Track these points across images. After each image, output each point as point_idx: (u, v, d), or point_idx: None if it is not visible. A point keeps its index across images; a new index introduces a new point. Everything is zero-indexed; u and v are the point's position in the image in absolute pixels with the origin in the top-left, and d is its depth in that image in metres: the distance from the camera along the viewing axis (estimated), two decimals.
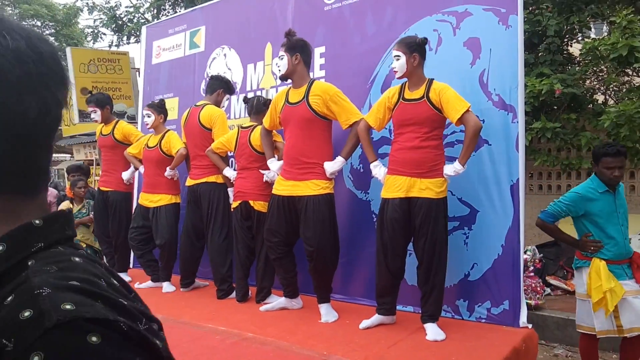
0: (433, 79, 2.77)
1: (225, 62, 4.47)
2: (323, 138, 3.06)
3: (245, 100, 3.77)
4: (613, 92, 5.77)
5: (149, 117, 4.04)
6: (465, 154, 2.65)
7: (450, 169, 2.69)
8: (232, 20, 4.44)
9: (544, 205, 5.68)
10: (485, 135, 2.98)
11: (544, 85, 4.64)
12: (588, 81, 5.59)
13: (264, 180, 3.40)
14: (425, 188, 2.68)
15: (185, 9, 8.18)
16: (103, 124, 4.37)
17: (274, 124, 3.29)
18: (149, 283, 4.07)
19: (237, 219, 3.50)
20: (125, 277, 4.31)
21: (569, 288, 4.80)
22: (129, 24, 11.39)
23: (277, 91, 3.79)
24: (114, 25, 11.65)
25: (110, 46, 12.21)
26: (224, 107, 3.95)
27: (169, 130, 4.11)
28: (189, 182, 3.85)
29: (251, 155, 3.47)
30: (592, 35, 5.94)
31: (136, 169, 4.29)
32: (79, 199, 4.88)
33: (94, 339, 0.42)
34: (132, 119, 7.41)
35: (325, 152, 3.05)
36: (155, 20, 8.52)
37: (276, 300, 3.32)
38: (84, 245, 4.79)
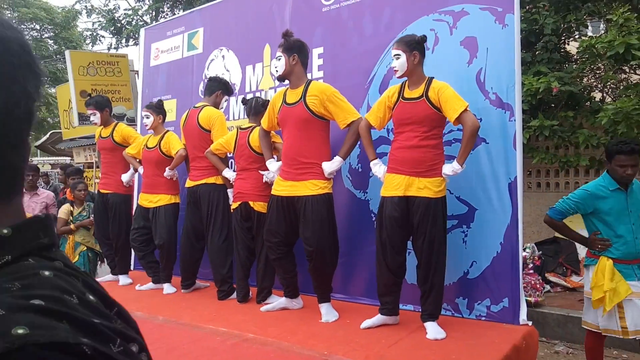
0: (433, 78, 2.77)
1: (223, 64, 4.48)
2: (321, 138, 3.07)
3: (244, 101, 3.79)
4: (610, 90, 5.79)
5: (147, 118, 4.05)
6: (463, 154, 2.65)
7: (448, 168, 2.69)
8: (230, 21, 4.45)
9: (543, 202, 5.73)
10: (483, 134, 3.00)
11: (541, 83, 4.66)
12: (585, 79, 5.60)
13: (264, 181, 3.41)
14: (423, 187, 2.69)
15: (183, 11, 8.19)
16: (102, 126, 4.39)
17: (272, 125, 3.30)
18: (150, 285, 4.08)
19: (237, 219, 3.52)
20: (126, 279, 4.33)
21: (569, 285, 4.82)
22: (127, 27, 11.41)
23: (275, 92, 3.80)
24: (112, 28, 11.67)
25: (109, 49, 12.23)
26: (222, 108, 3.96)
27: (168, 130, 4.13)
28: (189, 183, 3.86)
29: (250, 156, 3.49)
30: (589, 34, 5.97)
31: (135, 170, 4.30)
32: (79, 201, 4.89)
33: None
34: (132, 121, 7.43)
35: (323, 152, 3.06)
36: (154, 23, 8.53)
37: (277, 301, 3.33)
38: (84, 249, 4.81)
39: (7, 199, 0.49)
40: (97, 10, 12.53)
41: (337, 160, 3.03)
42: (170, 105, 4.74)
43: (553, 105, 5.27)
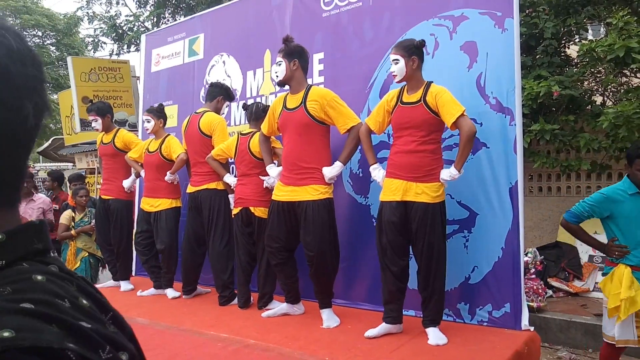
0: (432, 82, 2.77)
1: (224, 70, 4.50)
2: (321, 143, 3.07)
3: (245, 107, 3.80)
4: (611, 93, 5.78)
5: (148, 122, 4.07)
6: (460, 159, 2.64)
7: (446, 174, 2.68)
8: (231, 27, 4.47)
9: (544, 207, 5.72)
10: (484, 138, 3.00)
11: (542, 87, 4.65)
12: (586, 83, 5.60)
13: (264, 186, 3.42)
14: (421, 192, 2.68)
15: (184, 17, 8.23)
16: (104, 132, 4.40)
17: (272, 130, 3.31)
18: (152, 290, 4.08)
19: (238, 225, 3.51)
20: (127, 285, 4.33)
21: (571, 290, 4.80)
22: (129, 33, 11.47)
23: (276, 98, 3.81)
24: (114, 34, 11.72)
25: (110, 55, 12.30)
26: (223, 114, 3.97)
27: (169, 135, 4.15)
28: (190, 189, 3.87)
29: (251, 162, 3.49)
30: (590, 37, 5.96)
31: (137, 175, 4.31)
32: (80, 207, 4.90)
33: None
34: (134, 127, 7.44)
35: (323, 157, 3.06)
36: (155, 29, 8.57)
37: (278, 306, 3.32)
38: (86, 254, 4.82)
39: (12, 206, 0.51)
40: (98, 17, 12.59)
41: (338, 166, 3.03)
42: (171, 111, 4.75)
43: (554, 109, 5.26)
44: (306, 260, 3.04)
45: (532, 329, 2.85)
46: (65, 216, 4.84)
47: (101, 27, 12.23)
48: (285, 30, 3.87)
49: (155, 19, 11.20)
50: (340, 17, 3.72)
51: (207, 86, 4.22)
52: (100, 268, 5.08)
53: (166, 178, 3.99)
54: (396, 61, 2.75)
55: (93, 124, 4.41)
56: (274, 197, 3.15)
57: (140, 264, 4.53)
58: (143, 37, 5.50)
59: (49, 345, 0.39)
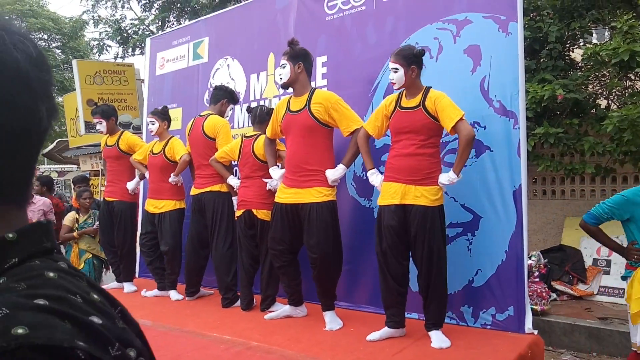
0: (430, 87, 2.78)
1: (228, 73, 4.52)
2: (325, 146, 3.08)
3: (249, 109, 3.81)
4: (615, 97, 5.76)
5: (152, 124, 4.09)
6: (459, 163, 2.64)
7: (444, 177, 2.68)
8: (235, 31, 4.49)
9: (548, 210, 5.71)
10: (487, 142, 3.00)
11: (546, 91, 4.65)
12: (590, 86, 5.59)
13: (267, 188, 3.42)
14: (420, 195, 2.68)
15: (189, 20, 8.27)
16: (108, 134, 4.43)
17: (276, 133, 3.32)
18: (155, 292, 4.09)
19: (241, 227, 3.52)
20: (131, 286, 4.34)
21: (575, 293, 4.77)
22: (134, 36, 11.53)
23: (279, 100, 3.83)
24: (119, 38, 11.79)
25: (115, 58, 12.36)
26: (227, 116, 4.00)
27: (172, 136, 4.17)
28: (194, 191, 3.88)
29: (254, 164, 3.50)
30: (594, 41, 5.96)
31: (142, 177, 4.34)
32: (84, 209, 4.92)
33: None
34: (138, 130, 7.47)
35: (326, 159, 3.07)
36: (160, 32, 8.62)
37: (281, 309, 3.32)
38: (90, 256, 4.84)
39: (22, 206, 0.53)
40: (104, 20, 12.69)
41: (341, 168, 3.04)
42: (175, 114, 4.78)
43: (558, 112, 5.25)
44: (309, 263, 3.04)
45: (535, 332, 2.84)
46: (69, 218, 4.87)
47: (106, 31, 12.33)
48: (289, 34, 3.89)
49: (160, 23, 11.26)
50: (343, 20, 3.73)
51: (211, 89, 4.24)
52: (104, 269, 5.10)
53: (170, 180, 4.00)
54: (395, 70, 2.74)
55: (97, 127, 4.44)
56: (276, 200, 3.16)
57: (143, 265, 4.55)
58: (148, 41, 5.54)
59: (60, 344, 0.40)
